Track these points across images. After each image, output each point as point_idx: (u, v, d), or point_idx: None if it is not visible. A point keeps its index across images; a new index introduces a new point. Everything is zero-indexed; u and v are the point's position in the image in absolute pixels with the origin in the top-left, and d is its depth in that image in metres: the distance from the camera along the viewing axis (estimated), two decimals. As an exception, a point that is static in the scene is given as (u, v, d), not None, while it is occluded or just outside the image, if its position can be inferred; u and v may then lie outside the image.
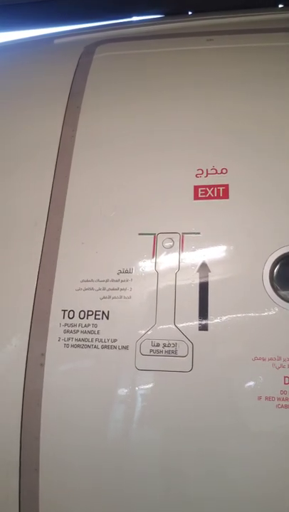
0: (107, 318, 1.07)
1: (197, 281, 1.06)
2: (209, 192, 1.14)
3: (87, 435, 1.02)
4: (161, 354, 1.02)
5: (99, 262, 1.13)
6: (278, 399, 0.95)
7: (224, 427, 0.97)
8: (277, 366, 0.97)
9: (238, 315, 1.02)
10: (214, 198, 1.13)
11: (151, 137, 1.26)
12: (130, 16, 1.74)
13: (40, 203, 1.23)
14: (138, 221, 1.15)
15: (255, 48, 1.39)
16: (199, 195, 1.14)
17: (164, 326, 1.04)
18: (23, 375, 1.06)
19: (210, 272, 1.06)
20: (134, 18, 1.75)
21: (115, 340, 1.05)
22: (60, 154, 1.28)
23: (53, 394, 1.05)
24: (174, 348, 1.02)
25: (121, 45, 1.53)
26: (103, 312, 1.08)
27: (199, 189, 1.15)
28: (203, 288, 1.05)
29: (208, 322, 1.02)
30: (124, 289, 1.08)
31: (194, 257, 1.08)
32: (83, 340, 1.07)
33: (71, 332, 1.08)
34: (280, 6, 1.63)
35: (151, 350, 1.03)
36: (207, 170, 1.17)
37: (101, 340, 1.06)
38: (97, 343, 1.06)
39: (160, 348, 1.03)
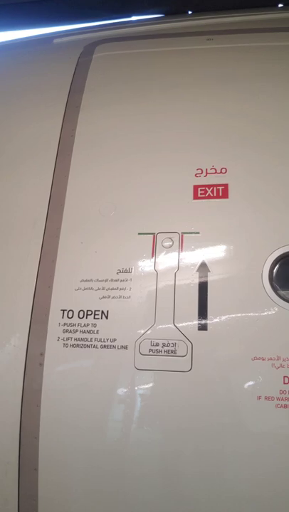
0: (107, 317, 1.07)
1: (196, 280, 1.06)
2: (209, 191, 1.14)
3: (87, 435, 1.02)
4: (160, 354, 1.02)
5: (98, 261, 1.13)
6: (278, 399, 0.95)
7: (224, 427, 0.97)
8: (277, 366, 0.97)
9: (238, 315, 1.02)
10: (214, 197, 1.13)
11: (151, 136, 1.26)
12: (130, 16, 1.74)
13: (40, 202, 1.23)
14: (137, 221, 1.15)
15: (255, 47, 1.39)
16: (199, 195, 1.14)
17: (164, 326, 1.04)
18: (23, 375, 1.06)
19: (209, 271, 1.06)
20: (134, 18, 1.75)
21: (114, 340, 1.05)
22: (60, 153, 1.28)
23: (52, 394, 1.04)
24: (173, 348, 1.02)
25: (120, 44, 1.52)
26: (102, 312, 1.08)
27: (199, 189, 1.15)
28: (203, 288, 1.05)
29: (208, 322, 1.02)
30: (124, 289, 1.08)
31: (194, 256, 1.08)
32: (82, 340, 1.06)
33: (70, 332, 1.07)
34: (280, 5, 1.63)
35: (150, 350, 1.03)
36: (206, 169, 1.17)
37: (100, 340, 1.06)
38: (96, 343, 1.06)
39: (159, 347, 1.02)
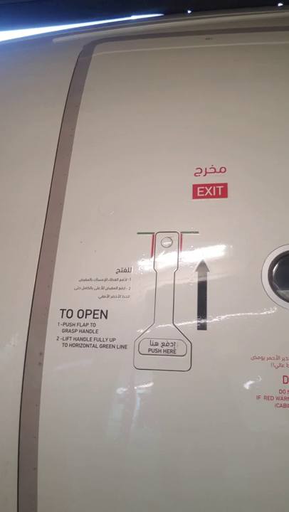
0: (106, 317, 1.07)
1: (196, 280, 1.06)
2: (208, 191, 1.14)
3: (86, 434, 1.02)
4: (159, 353, 1.02)
5: (97, 261, 1.12)
6: (277, 398, 0.95)
7: (223, 426, 0.97)
8: (276, 365, 0.97)
9: (237, 314, 1.02)
10: (213, 196, 1.13)
11: (150, 136, 1.25)
12: (129, 15, 1.74)
13: (39, 201, 1.23)
14: (137, 220, 1.15)
15: (254, 46, 1.38)
16: (198, 194, 1.14)
17: (163, 325, 1.04)
18: (22, 375, 1.06)
19: (209, 271, 1.06)
20: (134, 17, 1.75)
21: (114, 340, 1.05)
22: (59, 153, 1.28)
23: (52, 393, 1.04)
24: (172, 348, 1.02)
25: (120, 43, 1.52)
26: (102, 311, 1.08)
27: (198, 188, 1.15)
28: (202, 287, 1.05)
29: (207, 321, 1.02)
30: (123, 288, 1.08)
31: (193, 256, 1.08)
32: (82, 339, 1.06)
33: (70, 331, 1.07)
34: (280, 4, 1.63)
35: (149, 350, 1.03)
36: (206, 169, 1.17)
37: (99, 340, 1.06)
38: (95, 343, 1.06)
39: (159, 347, 1.02)
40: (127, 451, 1.00)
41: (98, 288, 1.10)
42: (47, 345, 1.07)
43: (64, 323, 1.08)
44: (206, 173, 1.16)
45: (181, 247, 1.09)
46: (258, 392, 0.96)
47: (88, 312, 1.08)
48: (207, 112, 1.26)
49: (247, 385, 0.97)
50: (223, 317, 1.02)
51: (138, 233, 1.13)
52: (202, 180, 1.15)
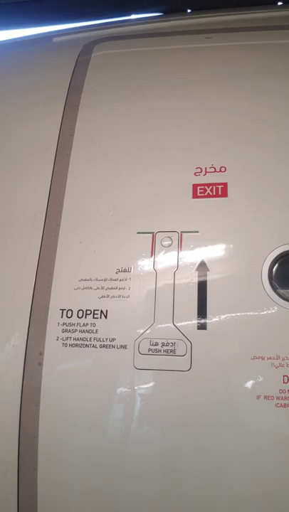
0: (106, 317, 1.07)
1: (196, 280, 1.05)
2: (208, 190, 1.14)
3: (86, 434, 1.02)
4: (159, 353, 1.02)
5: (97, 261, 1.12)
6: (277, 398, 0.95)
7: (223, 426, 0.97)
8: (276, 365, 0.97)
9: (237, 314, 1.01)
10: (213, 196, 1.13)
11: (150, 135, 1.25)
12: (129, 14, 1.74)
13: (39, 201, 1.22)
14: (136, 220, 1.14)
15: (254, 45, 1.38)
16: (198, 194, 1.14)
17: (163, 325, 1.04)
18: (22, 374, 1.06)
19: (209, 270, 1.06)
20: (134, 16, 1.75)
21: (114, 340, 1.05)
22: (59, 152, 1.28)
23: (52, 393, 1.04)
24: (172, 347, 1.02)
25: (119, 43, 1.52)
26: (101, 311, 1.08)
27: (198, 187, 1.15)
28: (202, 287, 1.04)
29: (207, 321, 1.02)
30: (123, 288, 1.08)
31: (193, 255, 1.08)
32: (82, 339, 1.06)
33: (69, 331, 1.07)
34: (280, 3, 1.63)
35: (149, 350, 1.02)
36: (206, 168, 1.17)
37: (99, 340, 1.06)
38: (95, 343, 1.06)
39: (159, 347, 1.02)
40: (127, 450, 1.00)
41: (98, 288, 1.09)
42: (47, 345, 1.07)
43: (64, 323, 1.08)
44: (206, 172, 1.16)
45: (181, 247, 1.09)
46: (258, 392, 0.96)
47: (88, 312, 1.08)
48: (207, 111, 1.25)
49: (247, 385, 0.97)
50: (223, 317, 1.01)
51: (138, 233, 1.13)
52: (202, 179, 1.15)
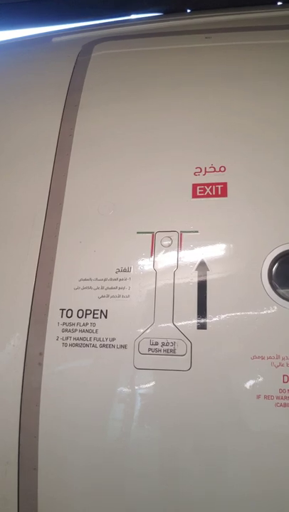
0: (106, 317, 1.07)
1: (195, 279, 1.05)
2: (208, 190, 1.14)
3: (86, 434, 1.02)
4: (159, 353, 1.02)
5: (97, 260, 1.12)
6: (277, 397, 0.95)
7: (223, 426, 0.97)
8: (276, 365, 0.97)
9: (237, 313, 1.01)
10: (213, 196, 1.13)
11: (150, 135, 1.25)
12: (129, 14, 1.74)
13: (39, 201, 1.23)
14: (136, 219, 1.14)
15: (253, 45, 1.38)
16: (198, 194, 1.14)
17: (163, 325, 1.04)
18: (22, 374, 1.06)
19: (208, 270, 1.06)
20: (133, 16, 1.75)
21: (114, 339, 1.05)
22: (59, 152, 1.28)
23: (52, 393, 1.04)
24: (172, 347, 1.02)
25: (119, 43, 1.52)
26: (101, 311, 1.08)
27: (198, 187, 1.15)
28: (202, 286, 1.04)
29: (207, 321, 1.02)
30: (123, 288, 1.08)
31: (193, 255, 1.08)
32: (81, 339, 1.06)
33: (69, 331, 1.07)
34: (279, 3, 1.63)
35: (149, 349, 1.02)
36: (205, 168, 1.17)
37: (99, 339, 1.06)
38: (95, 342, 1.06)
39: (159, 346, 1.02)
40: (128, 450, 1.00)
41: (98, 288, 1.10)
42: (47, 345, 1.07)
43: (64, 323, 1.08)
44: (205, 172, 1.16)
45: (180, 247, 1.09)
46: (258, 392, 0.96)
47: (88, 312, 1.08)
48: (206, 110, 1.25)
49: (247, 385, 0.97)
50: (223, 316, 1.01)
51: (138, 233, 1.13)
52: (202, 179, 1.15)
